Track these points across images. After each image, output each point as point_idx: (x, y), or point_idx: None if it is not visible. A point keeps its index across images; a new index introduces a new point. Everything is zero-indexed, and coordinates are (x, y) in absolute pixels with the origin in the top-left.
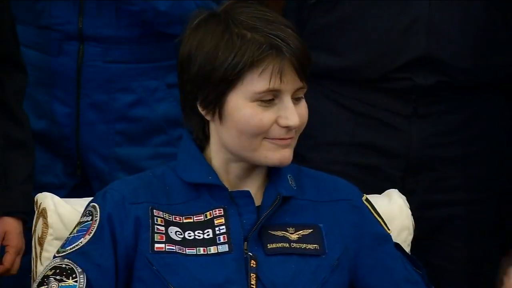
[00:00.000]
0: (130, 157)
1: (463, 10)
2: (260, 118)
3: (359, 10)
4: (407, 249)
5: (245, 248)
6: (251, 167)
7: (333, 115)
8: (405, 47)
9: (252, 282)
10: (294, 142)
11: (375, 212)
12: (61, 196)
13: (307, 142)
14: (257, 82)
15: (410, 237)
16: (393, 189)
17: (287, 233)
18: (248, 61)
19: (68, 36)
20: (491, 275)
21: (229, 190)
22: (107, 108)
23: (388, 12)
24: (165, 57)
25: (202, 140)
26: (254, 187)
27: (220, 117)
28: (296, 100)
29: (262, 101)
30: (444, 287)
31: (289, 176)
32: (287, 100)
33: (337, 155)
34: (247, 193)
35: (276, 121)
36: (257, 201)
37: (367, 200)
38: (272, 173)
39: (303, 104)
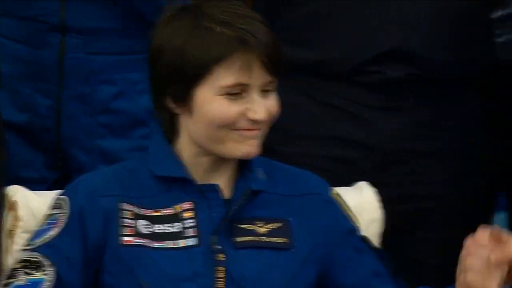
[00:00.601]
0: (112, 149)
1: (435, 3)
2: (227, 111)
3: (331, 5)
4: (376, 242)
5: (213, 241)
6: (221, 160)
7: (305, 108)
8: (377, 40)
9: (220, 276)
10: (261, 134)
11: (344, 206)
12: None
13: (279, 135)
14: (224, 76)
15: (380, 230)
16: (363, 182)
17: (256, 227)
18: (216, 56)
19: (51, 27)
20: None
21: (199, 184)
22: (90, 100)
23: (360, 6)
24: (147, 50)
25: (172, 133)
26: (224, 180)
27: (189, 111)
28: (265, 93)
29: (230, 94)
30: (419, 281)
31: (259, 170)
32: (255, 94)
33: (309, 148)
34: (217, 187)
35: (243, 114)
36: (227, 195)
37: (337, 194)
38: (242, 166)
39: (272, 97)
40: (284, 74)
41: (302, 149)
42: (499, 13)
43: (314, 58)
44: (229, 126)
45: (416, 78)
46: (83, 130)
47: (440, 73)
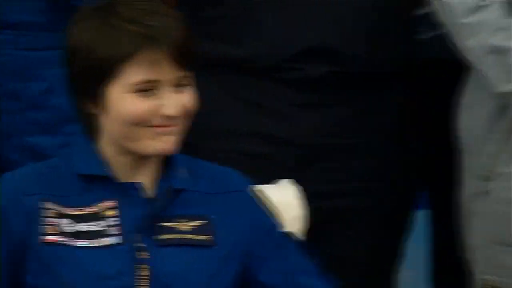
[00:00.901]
0: (42, 146)
1: (354, 1)
2: (139, 108)
3: (254, 2)
4: (300, 239)
5: (137, 240)
6: (141, 159)
7: (227, 104)
8: (297, 38)
9: (144, 274)
10: (178, 130)
11: (267, 203)
12: None
13: (200, 131)
14: (134, 73)
15: (303, 227)
16: (285, 179)
17: (179, 225)
18: (123, 53)
19: None
20: (384, 265)
21: (122, 182)
22: (20, 96)
23: (282, 3)
24: None
25: (94, 132)
26: (147, 178)
27: (104, 110)
28: (179, 88)
29: (141, 91)
30: (341, 276)
31: (182, 168)
32: (167, 90)
33: (231, 144)
34: (139, 185)
35: (155, 110)
36: (150, 193)
37: (259, 191)
38: (165, 164)
39: (187, 93)
40: (207, 70)
41: (225, 146)
42: (423, 10)
43: (237, 54)
44: (142, 123)
45: (336, 75)
46: (14, 128)
47: (360, 70)
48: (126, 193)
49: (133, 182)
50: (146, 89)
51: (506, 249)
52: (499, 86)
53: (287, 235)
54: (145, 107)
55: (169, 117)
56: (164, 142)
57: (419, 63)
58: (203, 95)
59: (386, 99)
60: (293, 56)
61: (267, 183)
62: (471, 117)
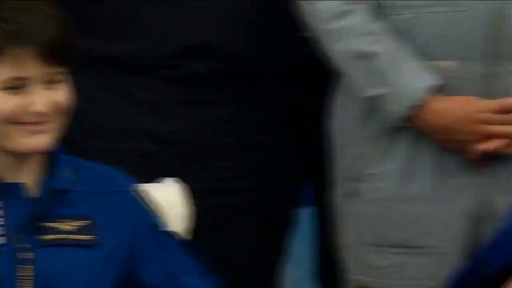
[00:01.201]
0: None
1: None
2: (8, 105)
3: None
4: (184, 238)
5: (21, 240)
6: (22, 158)
7: (112, 102)
8: (179, 35)
9: (27, 274)
10: (52, 127)
11: (151, 202)
12: None
13: (84, 130)
14: (1, 71)
15: (187, 226)
16: (170, 178)
17: (63, 225)
18: None
19: None
20: (268, 263)
21: (5, 183)
22: None
23: (163, 0)
24: None
25: None
26: (31, 178)
27: None
28: (51, 85)
29: (10, 88)
30: (225, 275)
31: (66, 168)
32: (36, 87)
33: (115, 142)
34: (21, 185)
35: (25, 108)
36: (35, 193)
37: (143, 190)
38: (49, 164)
39: (61, 89)
40: (89, 68)
41: (109, 144)
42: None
43: (120, 52)
44: (13, 120)
45: (219, 74)
46: None
47: (242, 69)
48: (10, 193)
49: (17, 182)
50: (15, 86)
51: (376, 249)
52: (365, 91)
53: (171, 235)
54: (13, 104)
55: (39, 114)
56: (37, 140)
57: (303, 62)
58: (85, 92)
59: (270, 98)
60: (175, 54)
61: (152, 182)
62: (341, 119)
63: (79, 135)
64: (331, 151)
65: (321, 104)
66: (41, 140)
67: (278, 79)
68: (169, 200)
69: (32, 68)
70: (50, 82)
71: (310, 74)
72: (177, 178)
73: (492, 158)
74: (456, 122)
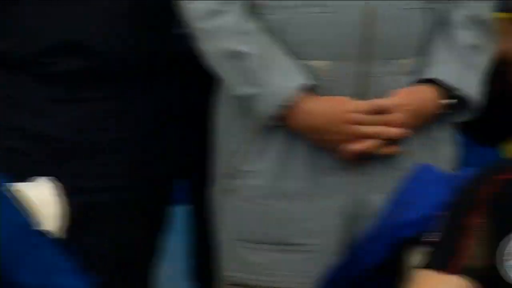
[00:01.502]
0: None
1: None
2: None
3: None
4: (58, 236)
5: None
6: None
7: None
8: (51, 31)
9: None
10: None
11: (23, 201)
12: None
13: None
14: None
15: (60, 224)
16: (42, 177)
17: None
18: None
19: None
20: (143, 260)
21: None
22: None
23: None
24: None
25: None
26: None
27: None
28: None
29: None
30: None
31: None
32: None
33: None
34: None
35: None
36: None
37: (15, 188)
38: None
39: None
40: None
41: None
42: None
43: None
44: None
45: (92, 71)
46: None
47: (115, 66)
48: None
49: None
50: None
51: (252, 246)
52: (236, 90)
53: (44, 234)
54: None
55: None
56: None
57: (181, 59)
58: None
59: (146, 95)
60: (47, 51)
61: (24, 179)
62: (221, 115)
63: None
64: (212, 147)
65: (207, 101)
66: None
67: (153, 77)
68: (41, 199)
69: None
70: None
71: (191, 71)
72: (49, 176)
73: (366, 157)
74: (327, 122)
